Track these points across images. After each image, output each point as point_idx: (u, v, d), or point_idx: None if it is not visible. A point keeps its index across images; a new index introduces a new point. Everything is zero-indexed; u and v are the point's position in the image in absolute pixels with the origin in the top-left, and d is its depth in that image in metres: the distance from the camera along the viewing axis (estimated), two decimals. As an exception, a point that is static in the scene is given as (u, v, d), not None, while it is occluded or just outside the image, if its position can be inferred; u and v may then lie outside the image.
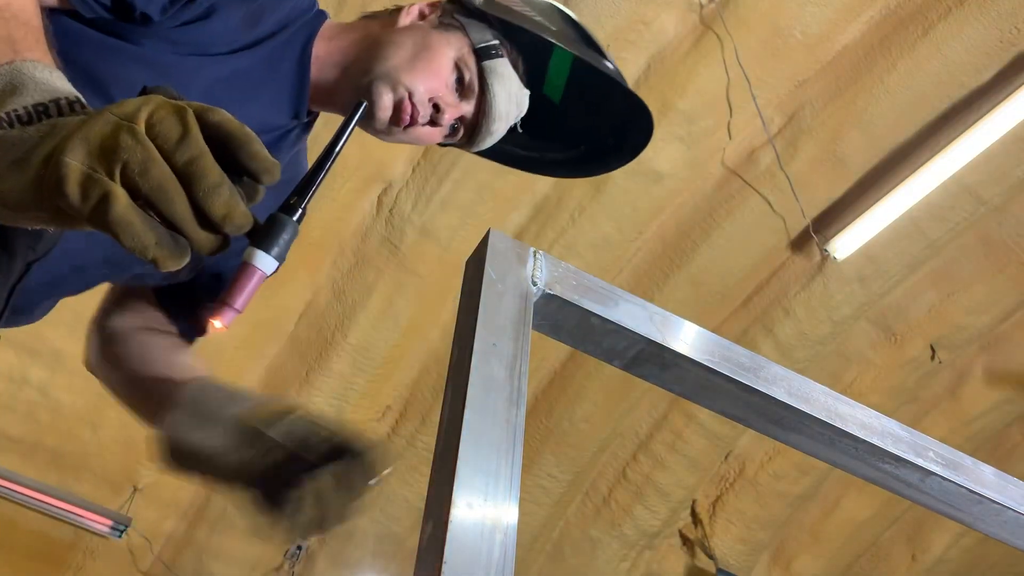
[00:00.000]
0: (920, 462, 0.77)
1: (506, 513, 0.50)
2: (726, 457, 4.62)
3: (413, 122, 1.04)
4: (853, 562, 5.03)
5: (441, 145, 1.16)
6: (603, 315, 0.68)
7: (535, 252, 0.68)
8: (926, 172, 3.51)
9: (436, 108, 1.05)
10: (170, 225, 0.53)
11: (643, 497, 4.58)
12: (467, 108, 1.09)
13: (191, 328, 1.17)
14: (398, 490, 4.39)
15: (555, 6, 1.17)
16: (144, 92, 0.59)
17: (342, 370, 3.99)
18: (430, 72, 1.04)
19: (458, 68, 1.07)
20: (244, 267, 0.59)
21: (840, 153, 3.61)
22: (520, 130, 1.17)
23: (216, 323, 0.60)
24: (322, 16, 1.09)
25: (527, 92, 1.12)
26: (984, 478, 0.81)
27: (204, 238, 0.54)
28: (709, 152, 3.60)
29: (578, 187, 3.64)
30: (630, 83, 1.40)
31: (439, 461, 0.53)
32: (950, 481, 0.79)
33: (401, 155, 3.53)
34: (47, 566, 4.22)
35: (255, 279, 0.59)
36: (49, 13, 0.77)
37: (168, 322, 1.15)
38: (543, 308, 0.67)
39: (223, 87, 0.94)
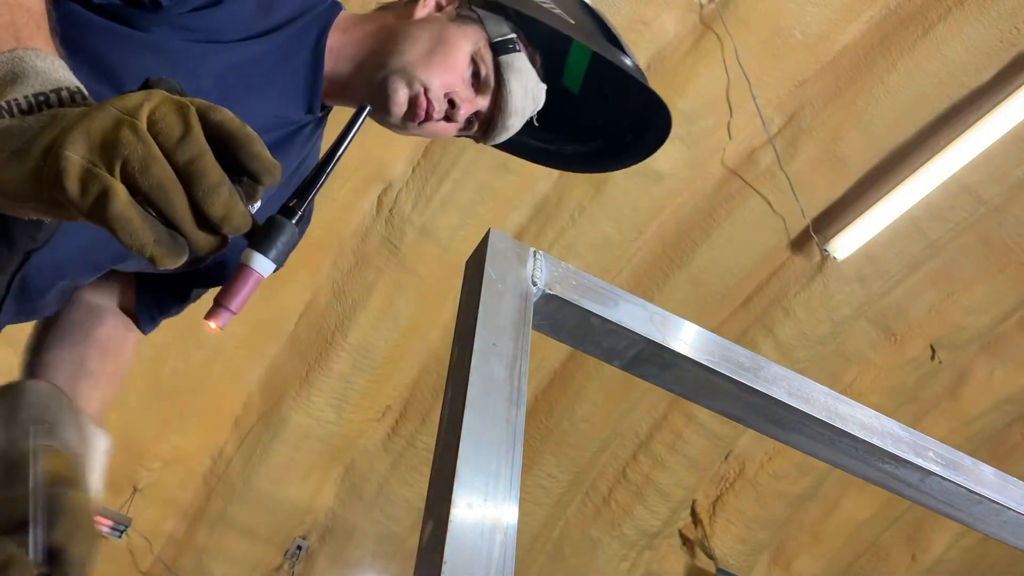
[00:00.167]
0: (920, 462, 0.77)
1: (506, 513, 0.50)
2: (726, 457, 4.62)
3: (428, 117, 1.03)
4: (853, 562, 5.03)
5: (456, 136, 1.14)
6: (603, 315, 0.68)
7: (535, 252, 0.68)
8: (926, 172, 3.51)
9: (451, 104, 1.04)
10: (168, 223, 0.53)
11: (643, 497, 4.58)
12: (482, 103, 1.07)
13: (150, 318, 1.14)
14: (398, 490, 4.39)
15: None
16: (147, 84, 0.58)
17: (342, 370, 3.99)
18: (446, 67, 1.02)
19: (474, 62, 1.05)
20: (241, 269, 0.59)
21: (840, 153, 3.61)
22: (536, 124, 1.15)
23: (211, 324, 0.60)
24: (337, 7, 1.07)
25: (543, 86, 1.10)
26: (984, 478, 0.81)
27: (202, 238, 0.54)
28: (709, 152, 3.60)
29: (578, 187, 3.65)
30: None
31: (439, 461, 0.53)
32: (950, 481, 0.79)
33: (401, 155, 3.53)
34: (47, 566, 4.22)
35: (251, 281, 0.59)
36: (55, 0, 0.76)
37: (133, 306, 1.12)
38: (543, 308, 0.67)
39: (235, 75, 0.92)
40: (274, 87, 0.98)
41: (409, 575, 0.48)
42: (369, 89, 1.03)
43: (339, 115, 1.12)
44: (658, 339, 0.69)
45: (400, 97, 1.01)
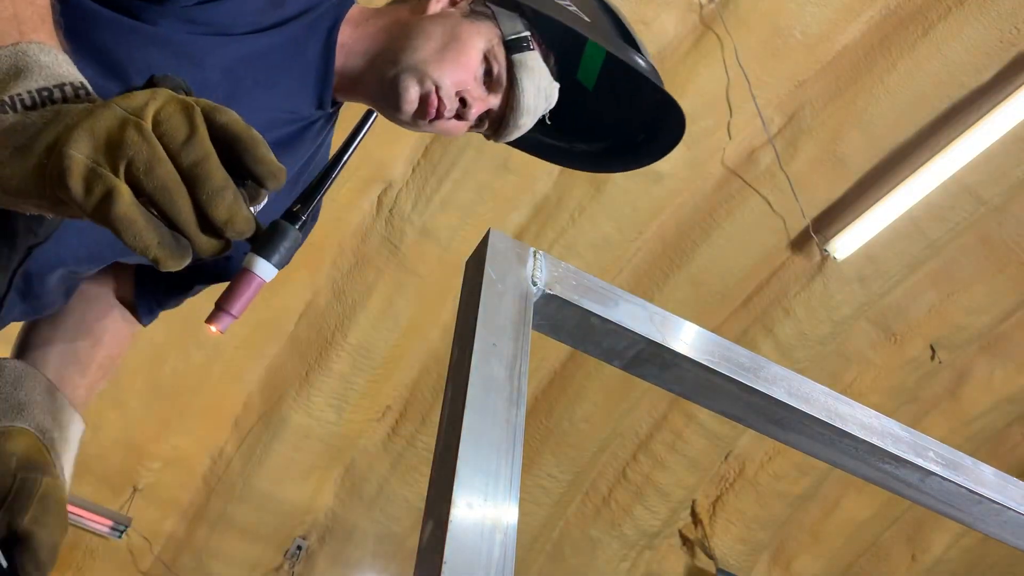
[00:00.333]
0: (920, 462, 0.77)
1: (506, 513, 0.50)
2: (726, 457, 4.62)
3: (439, 116, 1.02)
4: (853, 562, 5.03)
5: (468, 131, 1.13)
6: (603, 315, 0.68)
7: (535, 252, 0.68)
8: (926, 172, 3.51)
9: (463, 102, 1.02)
10: (172, 225, 0.53)
11: (643, 497, 4.58)
12: (494, 101, 1.06)
13: (148, 310, 1.12)
14: (398, 490, 4.39)
15: None
16: (151, 81, 0.58)
17: (342, 370, 3.99)
18: (458, 65, 1.01)
19: (487, 60, 1.04)
20: (243, 273, 0.59)
21: (840, 153, 3.61)
22: (549, 122, 1.14)
23: (212, 328, 0.60)
24: (349, 0, 1.06)
25: (556, 85, 1.09)
26: (984, 478, 0.81)
27: (205, 241, 0.54)
28: (709, 152, 3.60)
29: (578, 187, 3.65)
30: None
31: (439, 461, 0.53)
32: (950, 481, 0.79)
33: (401, 155, 3.54)
34: (47, 566, 4.22)
35: (253, 286, 0.59)
36: None
37: (132, 297, 1.11)
38: (543, 308, 0.67)
39: (243, 68, 0.91)
40: (284, 81, 0.97)
41: (409, 575, 0.48)
42: (380, 85, 1.02)
43: (349, 110, 1.12)
44: (658, 339, 0.69)
45: (411, 95, 1.00)
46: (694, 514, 4.79)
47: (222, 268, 1.09)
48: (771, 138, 3.54)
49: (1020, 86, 3.30)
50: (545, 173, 3.61)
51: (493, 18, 1.05)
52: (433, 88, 1.00)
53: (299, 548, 4.45)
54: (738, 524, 4.76)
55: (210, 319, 0.60)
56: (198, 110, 0.53)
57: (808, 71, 3.44)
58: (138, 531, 4.16)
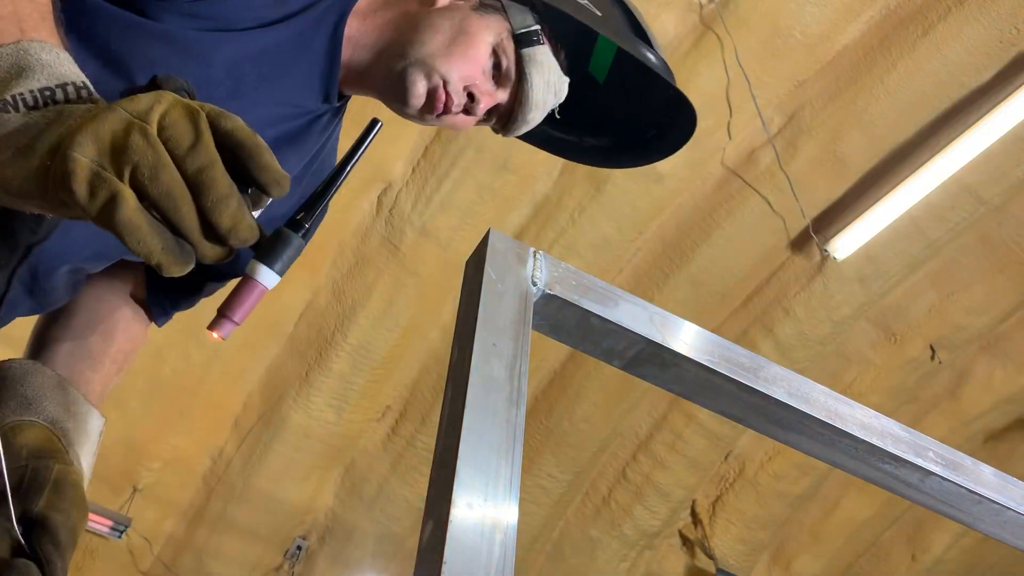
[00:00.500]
0: (920, 462, 0.77)
1: (506, 513, 0.50)
2: (726, 457, 4.62)
3: (446, 111, 1.01)
4: (853, 562, 5.03)
5: (475, 125, 1.12)
6: (603, 315, 0.68)
7: (535, 252, 0.68)
8: (926, 172, 3.51)
9: (471, 97, 1.01)
10: (175, 231, 0.52)
11: (643, 497, 4.58)
12: (502, 96, 1.05)
13: (162, 311, 1.12)
14: (398, 490, 4.39)
15: None
16: (154, 81, 0.58)
17: (342, 370, 3.99)
18: (467, 59, 0.99)
19: (496, 54, 1.03)
20: (246, 280, 0.59)
21: (840, 153, 3.61)
22: (558, 116, 1.12)
23: (214, 335, 0.60)
24: None
25: (566, 80, 1.07)
26: (984, 478, 0.81)
27: (209, 248, 0.54)
28: (709, 152, 3.60)
29: (578, 187, 3.65)
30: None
31: (439, 461, 0.53)
32: (950, 481, 0.79)
33: (401, 155, 3.54)
34: (47, 566, 4.22)
35: (256, 293, 0.59)
36: None
37: (144, 297, 1.10)
38: (543, 308, 0.67)
39: (249, 64, 0.90)
40: (290, 76, 0.96)
41: (409, 575, 0.48)
42: (388, 79, 1.01)
43: (355, 103, 1.11)
44: (658, 339, 0.69)
45: (419, 89, 0.99)
46: (694, 514, 4.79)
47: (233, 266, 1.08)
48: (771, 138, 3.54)
49: (1020, 86, 3.30)
50: (545, 173, 3.61)
51: (503, 11, 1.04)
52: (441, 83, 0.99)
53: (299, 548, 4.45)
54: (738, 524, 4.77)
55: (212, 325, 0.60)
56: (203, 115, 0.53)
57: (808, 71, 3.44)
58: (138, 531, 4.16)
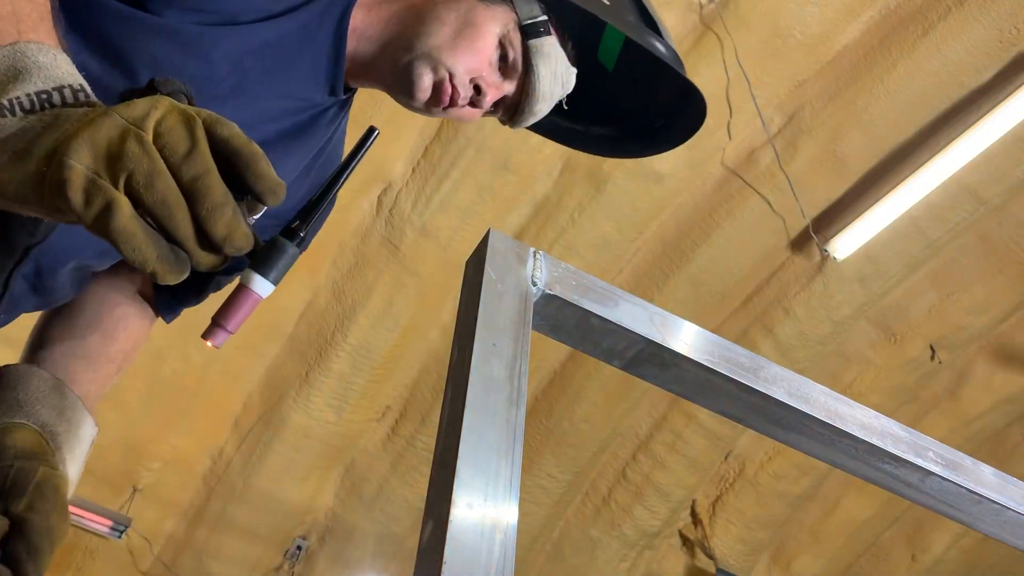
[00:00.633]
0: (920, 462, 0.77)
1: (506, 513, 0.50)
2: (726, 457, 4.62)
3: (453, 103, 1.00)
4: (853, 562, 5.03)
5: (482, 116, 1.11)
6: (603, 315, 0.68)
7: (535, 252, 0.68)
8: (926, 172, 3.51)
9: (477, 89, 1.01)
10: (170, 238, 0.52)
11: (643, 497, 4.58)
12: (509, 87, 1.04)
13: (169, 308, 1.11)
14: (398, 490, 4.39)
15: None
16: (151, 84, 0.57)
17: (342, 370, 3.99)
18: (473, 52, 0.98)
19: (502, 45, 1.02)
20: (240, 289, 0.59)
21: (840, 153, 3.61)
22: (566, 107, 1.11)
23: (208, 343, 0.60)
24: None
25: (574, 71, 1.06)
26: (984, 478, 0.81)
27: (203, 256, 0.54)
28: (709, 152, 3.60)
29: (578, 187, 3.65)
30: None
31: (439, 461, 0.53)
32: (950, 481, 0.79)
33: (401, 155, 3.54)
34: (47, 566, 4.22)
35: (250, 302, 0.60)
36: None
37: (151, 292, 1.10)
38: (543, 308, 0.67)
39: (252, 58, 0.89)
40: (295, 69, 0.95)
41: (409, 575, 0.48)
42: (393, 72, 1.00)
43: (363, 96, 1.11)
44: (658, 339, 0.69)
45: (425, 83, 0.98)
46: (694, 514, 4.79)
47: (242, 262, 1.07)
48: (771, 138, 3.54)
49: (1020, 86, 3.30)
50: (545, 173, 3.61)
51: (509, 1, 1.03)
52: (447, 76, 0.98)
53: (299, 548, 4.45)
54: (738, 524, 4.77)
55: (206, 334, 0.60)
56: (199, 122, 0.53)
57: (808, 71, 3.44)
58: (138, 531, 4.16)
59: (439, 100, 1.00)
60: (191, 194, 0.52)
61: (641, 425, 4.48)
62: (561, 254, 3.70)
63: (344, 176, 0.63)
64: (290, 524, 4.41)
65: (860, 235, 3.70)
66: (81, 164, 0.49)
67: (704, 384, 0.73)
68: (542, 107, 1.07)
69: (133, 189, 0.50)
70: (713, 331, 0.74)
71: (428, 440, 4.24)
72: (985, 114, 3.37)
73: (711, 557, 4.78)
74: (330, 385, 4.03)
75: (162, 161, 0.51)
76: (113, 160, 0.50)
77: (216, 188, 0.52)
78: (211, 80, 0.85)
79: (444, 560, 0.45)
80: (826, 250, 3.78)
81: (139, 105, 0.53)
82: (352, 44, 1.00)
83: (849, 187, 3.73)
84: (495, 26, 1.01)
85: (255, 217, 0.58)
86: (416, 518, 4.42)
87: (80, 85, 0.58)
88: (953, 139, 3.45)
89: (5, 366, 0.88)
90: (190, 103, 0.60)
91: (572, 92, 1.09)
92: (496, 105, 1.07)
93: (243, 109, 0.90)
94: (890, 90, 3.41)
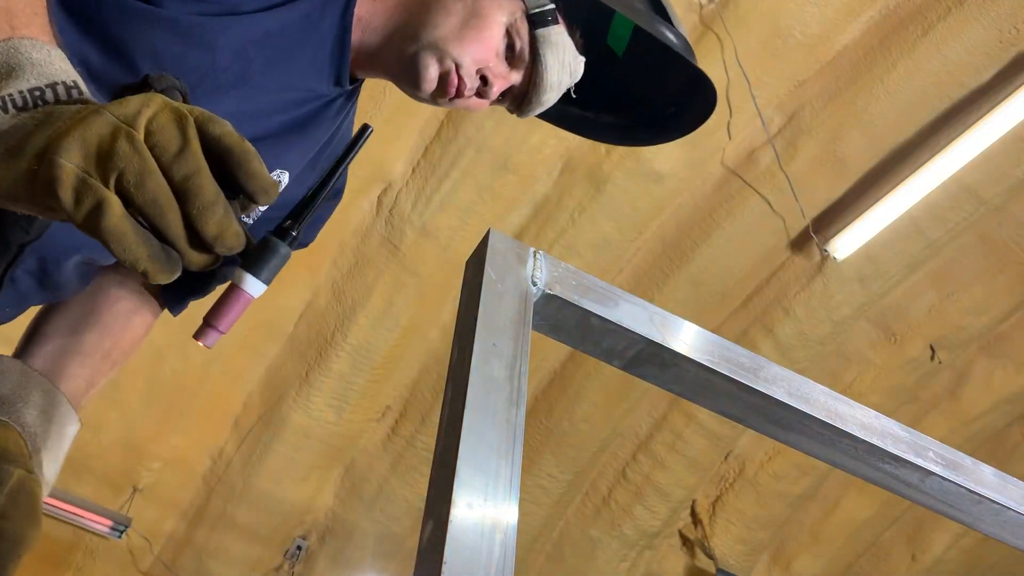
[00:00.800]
0: (920, 462, 0.77)
1: (506, 513, 0.50)
2: (726, 457, 4.62)
3: (459, 94, 0.99)
4: (853, 562, 5.03)
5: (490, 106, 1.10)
6: (603, 315, 0.68)
7: (535, 252, 0.68)
8: (926, 172, 3.51)
9: (484, 80, 1.00)
10: (162, 238, 0.52)
11: (643, 497, 4.58)
12: (516, 77, 1.03)
13: (176, 300, 1.10)
14: (398, 490, 4.39)
15: None
16: (146, 80, 0.57)
17: (342, 370, 3.99)
18: (479, 42, 0.97)
19: (509, 35, 1.00)
20: (232, 289, 0.59)
21: (840, 153, 3.61)
22: (574, 95, 1.09)
23: (200, 343, 0.60)
24: None
25: (582, 59, 1.05)
26: (984, 478, 0.81)
27: (195, 256, 0.54)
28: (709, 152, 3.60)
29: (578, 187, 3.65)
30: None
31: (439, 461, 0.53)
32: (950, 481, 0.79)
33: (401, 155, 3.54)
34: (48, 566, 4.23)
35: (241, 303, 0.59)
36: None
37: (158, 288, 1.09)
38: (543, 308, 0.67)
39: (255, 49, 0.88)
40: (299, 59, 0.94)
41: (409, 575, 0.48)
42: (399, 63, 0.99)
43: (363, 96, 1.10)
44: (658, 339, 0.69)
45: (431, 74, 0.97)
46: (694, 514, 4.79)
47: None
48: (771, 138, 3.54)
49: (1020, 86, 3.30)
50: (545, 173, 3.61)
51: None
52: (453, 67, 0.97)
53: (299, 548, 4.45)
54: (738, 524, 4.77)
55: (198, 334, 0.60)
56: (191, 120, 0.52)
57: (808, 71, 3.44)
58: (138, 531, 4.16)
59: (445, 91, 0.99)
60: (182, 193, 0.51)
61: (641, 425, 4.48)
62: (561, 254, 3.70)
63: (337, 173, 0.62)
64: (290, 524, 4.41)
65: (860, 235, 3.70)
66: (72, 163, 0.49)
67: (704, 384, 0.73)
68: (550, 97, 1.06)
69: (124, 188, 0.50)
70: (713, 331, 0.74)
71: (428, 440, 4.24)
72: (985, 114, 3.37)
73: (711, 557, 4.78)
74: (330, 385, 4.03)
75: (153, 160, 0.51)
76: (104, 159, 0.50)
77: (207, 187, 0.52)
78: (213, 71, 0.85)
79: (444, 560, 0.45)
80: (826, 250, 3.78)
81: (131, 103, 0.52)
82: (357, 34, 0.99)
83: (849, 187, 3.73)
84: (502, 16, 0.99)
85: (257, 214, 0.58)
86: (416, 518, 4.42)
87: (74, 82, 0.57)
88: (953, 139, 3.45)
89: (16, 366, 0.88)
90: (185, 100, 0.59)
91: (581, 78, 1.07)
92: (503, 95, 1.06)
93: (246, 100, 0.90)
94: (890, 90, 3.41)
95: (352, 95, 1.06)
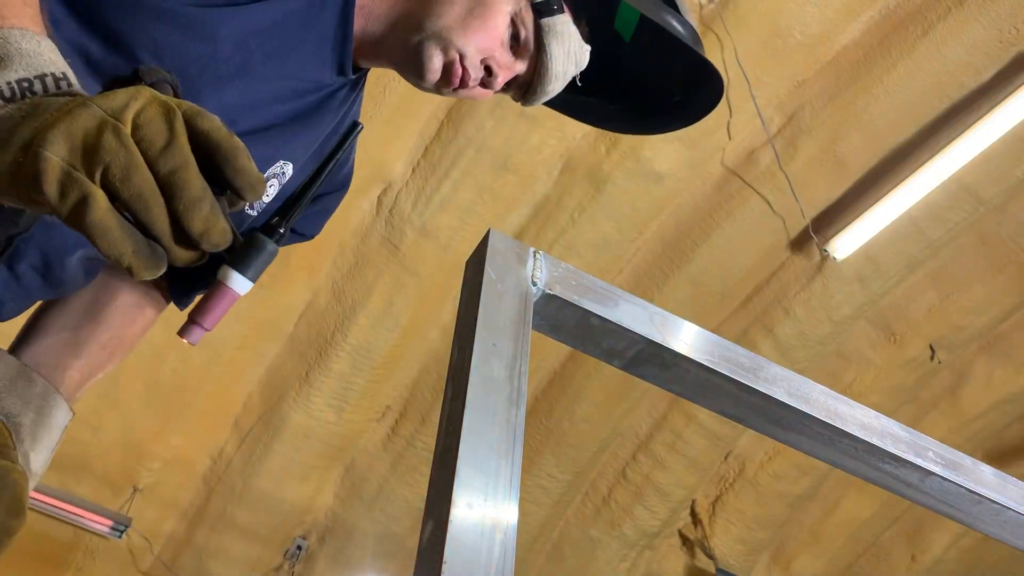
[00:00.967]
0: (920, 462, 0.77)
1: (506, 513, 0.50)
2: (726, 457, 4.62)
3: (463, 85, 0.99)
4: (853, 562, 5.03)
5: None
6: (603, 315, 0.68)
7: (535, 252, 0.68)
8: (926, 172, 3.51)
9: (488, 70, 0.99)
10: (147, 233, 0.52)
11: (643, 497, 4.58)
12: (520, 67, 1.02)
13: (182, 293, 1.09)
14: (398, 490, 4.39)
15: None
16: (136, 74, 0.56)
17: (342, 370, 3.99)
18: (484, 32, 0.96)
19: (514, 24, 1.00)
20: (217, 286, 0.58)
21: (840, 153, 3.61)
22: (580, 83, 1.09)
23: (185, 340, 0.59)
24: None
25: (587, 48, 1.04)
26: (984, 478, 0.81)
27: (180, 252, 0.53)
28: (709, 152, 3.60)
29: (578, 187, 3.65)
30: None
31: (439, 461, 0.53)
32: (950, 481, 0.79)
33: (401, 155, 3.54)
34: (48, 566, 4.23)
35: (227, 299, 0.59)
36: None
37: (164, 282, 1.08)
38: (543, 308, 0.67)
39: (256, 40, 0.87)
40: (301, 49, 0.93)
41: (409, 575, 0.48)
42: (403, 52, 0.98)
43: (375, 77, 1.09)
44: (658, 339, 0.69)
45: (435, 64, 0.96)
46: (694, 514, 4.79)
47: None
48: (771, 138, 3.54)
49: (1020, 86, 3.30)
50: (545, 173, 3.61)
51: None
52: (457, 57, 0.96)
53: (299, 548, 4.45)
54: (738, 524, 4.77)
55: (182, 332, 0.59)
56: (179, 114, 0.52)
57: (808, 71, 3.44)
58: (138, 531, 4.16)
59: (449, 81, 0.98)
60: (168, 188, 0.51)
61: (641, 425, 4.48)
62: (561, 254, 3.70)
63: (326, 171, 0.61)
64: (290, 524, 4.41)
65: (860, 235, 3.70)
66: (57, 156, 0.49)
67: (704, 384, 0.73)
68: (555, 86, 1.05)
69: (109, 182, 0.50)
70: (713, 331, 0.74)
71: (428, 440, 4.24)
72: (985, 114, 3.37)
73: (711, 557, 4.78)
74: (330, 385, 4.03)
75: (139, 154, 0.50)
76: (90, 152, 0.49)
77: (194, 182, 0.51)
78: (215, 63, 0.84)
79: (444, 560, 0.45)
80: (826, 250, 3.78)
81: (119, 96, 0.52)
82: (360, 23, 0.98)
83: (849, 187, 3.73)
84: (506, 5, 0.99)
85: (261, 205, 0.57)
86: (416, 518, 4.42)
87: (63, 73, 0.57)
88: (953, 139, 3.45)
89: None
90: (175, 93, 0.59)
91: (589, 62, 1.07)
92: (508, 84, 1.05)
93: (248, 91, 0.89)
94: (890, 90, 3.41)
95: (357, 85, 1.05)
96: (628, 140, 3.51)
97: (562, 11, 1.00)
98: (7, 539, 0.73)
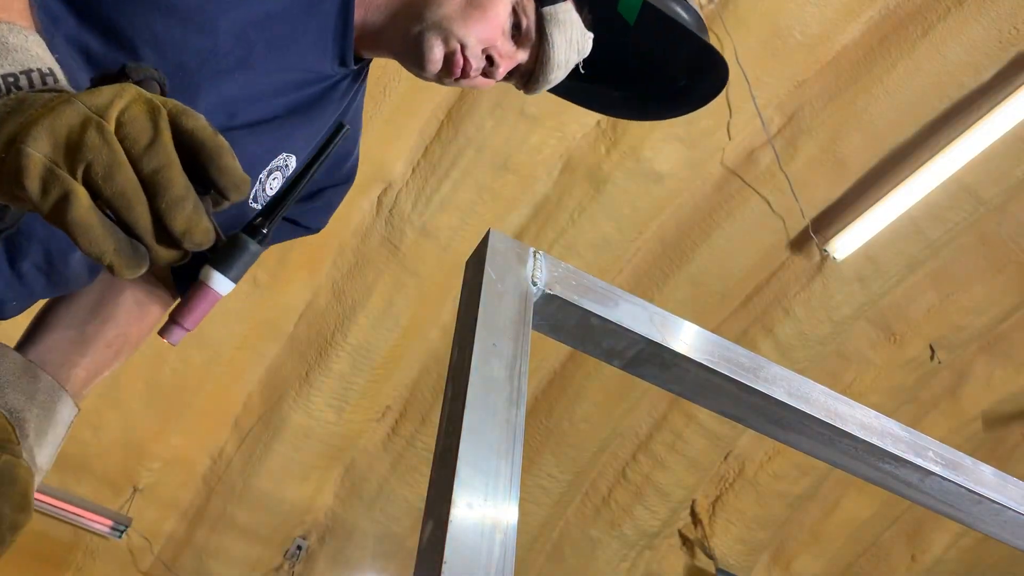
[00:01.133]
0: (920, 462, 0.77)
1: (506, 513, 0.50)
2: (726, 457, 4.62)
3: (465, 74, 0.98)
4: (853, 562, 5.03)
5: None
6: (603, 315, 0.68)
7: (535, 252, 0.68)
8: (926, 172, 3.51)
9: (489, 60, 0.99)
10: (129, 231, 0.51)
11: (643, 497, 4.58)
12: (522, 56, 1.02)
13: (187, 288, 1.09)
14: (398, 490, 4.39)
15: None
16: (123, 71, 0.56)
17: (342, 370, 3.99)
18: (484, 21, 0.96)
19: (515, 13, 0.99)
20: (199, 287, 0.58)
21: (840, 153, 3.62)
22: (583, 71, 1.08)
23: (165, 340, 0.59)
24: None
25: (590, 35, 1.03)
26: (984, 478, 0.81)
27: (162, 251, 0.53)
28: (709, 152, 3.60)
29: (578, 187, 3.65)
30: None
31: (439, 461, 0.53)
32: (950, 481, 0.79)
33: (401, 155, 3.54)
34: (48, 566, 4.23)
35: (209, 300, 0.58)
36: None
37: (171, 277, 1.07)
38: (543, 308, 0.67)
39: (257, 31, 0.86)
40: (301, 40, 0.92)
41: (409, 575, 0.48)
42: (404, 43, 0.98)
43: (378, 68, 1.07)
44: (658, 339, 0.69)
45: (435, 54, 0.96)
46: (694, 514, 4.79)
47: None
48: (771, 138, 3.54)
49: (1020, 86, 3.30)
50: (545, 173, 3.61)
51: None
52: (458, 47, 0.96)
53: (299, 548, 4.45)
54: (738, 524, 4.77)
55: (163, 331, 0.59)
56: (164, 113, 0.52)
57: (808, 71, 3.44)
58: (138, 531, 4.16)
59: (451, 72, 0.98)
60: (151, 186, 0.51)
61: (641, 425, 4.48)
62: (561, 254, 3.70)
63: (312, 171, 0.61)
64: (290, 524, 4.41)
65: (860, 235, 3.70)
66: (39, 153, 0.49)
67: (704, 384, 0.73)
68: (557, 75, 1.04)
69: (92, 180, 0.49)
70: (713, 331, 0.74)
71: (428, 440, 4.24)
72: (985, 114, 3.38)
73: (711, 557, 4.78)
74: (330, 385, 4.03)
75: (123, 152, 0.50)
76: (72, 150, 0.49)
77: (177, 181, 0.51)
78: (215, 55, 0.84)
79: (444, 560, 0.45)
80: (826, 250, 3.78)
81: (103, 93, 0.52)
82: (360, 13, 0.97)
83: (849, 187, 3.73)
84: None
85: (264, 199, 0.57)
86: (416, 518, 4.42)
87: (49, 69, 0.57)
88: (953, 139, 3.45)
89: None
90: (163, 91, 0.58)
91: (593, 46, 1.06)
92: (510, 73, 1.05)
93: (249, 84, 0.89)
94: (890, 90, 3.41)
95: (359, 75, 1.05)
96: (628, 140, 3.51)
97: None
98: (14, 534, 0.73)
